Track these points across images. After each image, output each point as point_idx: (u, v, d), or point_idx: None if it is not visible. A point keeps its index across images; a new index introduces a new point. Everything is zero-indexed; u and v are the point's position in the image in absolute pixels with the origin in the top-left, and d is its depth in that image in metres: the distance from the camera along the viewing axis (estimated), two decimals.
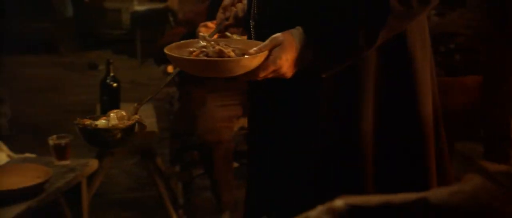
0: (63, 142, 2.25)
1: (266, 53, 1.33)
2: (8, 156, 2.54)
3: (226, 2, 1.64)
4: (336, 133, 1.50)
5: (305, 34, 1.37)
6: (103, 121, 1.40)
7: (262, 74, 1.37)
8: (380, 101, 1.49)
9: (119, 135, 1.40)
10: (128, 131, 1.42)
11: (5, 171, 2.01)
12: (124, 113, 1.43)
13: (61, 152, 2.24)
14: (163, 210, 3.10)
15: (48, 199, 1.98)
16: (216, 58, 1.32)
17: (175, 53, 1.35)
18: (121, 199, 3.34)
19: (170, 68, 3.12)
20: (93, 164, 2.28)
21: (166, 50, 1.36)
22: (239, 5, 1.62)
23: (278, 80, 1.43)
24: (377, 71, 1.47)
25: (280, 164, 1.60)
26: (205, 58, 1.33)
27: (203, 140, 2.80)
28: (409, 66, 1.48)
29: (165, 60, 2.98)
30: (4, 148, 2.55)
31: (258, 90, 1.61)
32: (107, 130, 1.39)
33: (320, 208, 0.86)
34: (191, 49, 1.39)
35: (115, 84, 2.78)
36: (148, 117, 3.05)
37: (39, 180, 1.96)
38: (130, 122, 1.42)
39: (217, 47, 1.35)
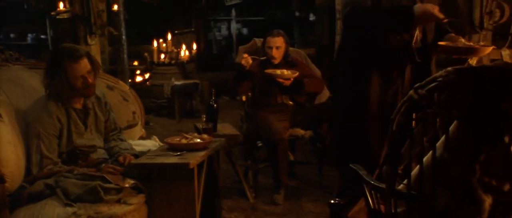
0: (208, 126, 3.98)
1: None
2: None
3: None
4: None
5: None
6: None
7: None
8: None
9: None
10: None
11: (189, 138, 3.71)
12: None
13: (208, 131, 3.96)
14: (238, 191, 4.75)
15: (212, 152, 3.67)
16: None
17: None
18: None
19: (243, 98, 4.89)
20: (223, 141, 3.97)
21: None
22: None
23: None
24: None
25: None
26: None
27: (271, 138, 4.44)
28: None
29: (235, 94, 5.33)
30: (157, 139, 4.22)
31: None
32: None
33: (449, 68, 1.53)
34: None
35: (215, 105, 4.52)
36: (230, 129, 4.76)
37: (208, 140, 3.68)
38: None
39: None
